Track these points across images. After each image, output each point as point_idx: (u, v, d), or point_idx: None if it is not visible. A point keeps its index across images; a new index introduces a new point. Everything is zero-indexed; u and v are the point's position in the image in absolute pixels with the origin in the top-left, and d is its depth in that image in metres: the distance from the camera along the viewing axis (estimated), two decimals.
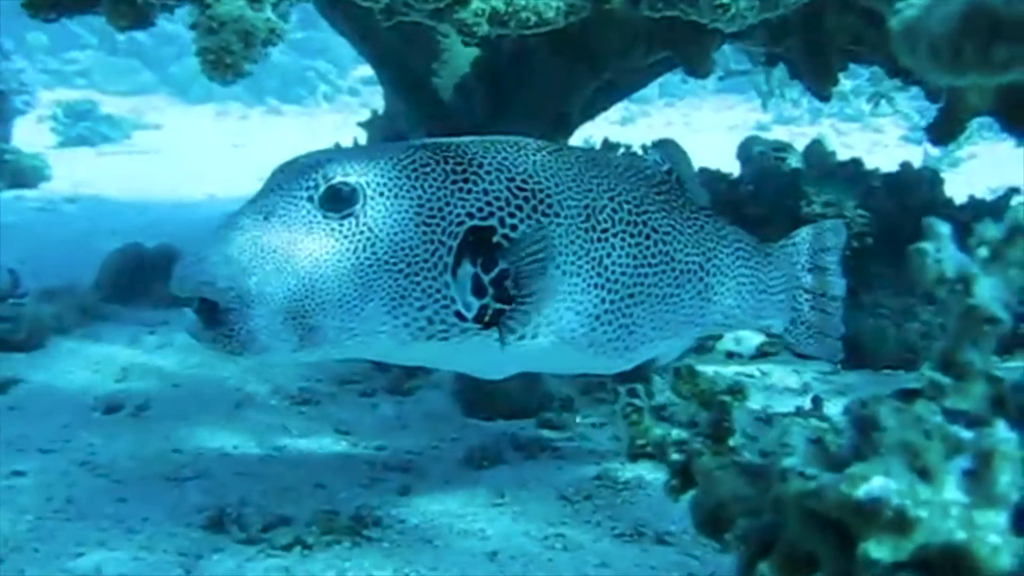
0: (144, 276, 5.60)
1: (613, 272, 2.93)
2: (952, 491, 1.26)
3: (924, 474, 1.26)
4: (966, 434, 1.30)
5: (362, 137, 6.43)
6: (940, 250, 1.37)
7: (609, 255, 2.93)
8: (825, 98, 4.44)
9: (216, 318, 2.59)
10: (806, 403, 4.41)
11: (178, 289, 2.60)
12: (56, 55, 17.12)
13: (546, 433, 4.11)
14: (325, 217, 2.66)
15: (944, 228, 1.41)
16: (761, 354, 5.06)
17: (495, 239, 2.76)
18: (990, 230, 1.42)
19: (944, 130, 3.61)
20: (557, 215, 2.85)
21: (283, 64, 16.75)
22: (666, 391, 3.93)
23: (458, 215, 2.74)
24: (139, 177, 9.89)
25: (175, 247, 5.52)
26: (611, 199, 2.97)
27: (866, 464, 1.25)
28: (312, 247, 2.62)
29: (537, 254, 2.75)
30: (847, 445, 1.33)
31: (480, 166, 2.82)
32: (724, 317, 3.25)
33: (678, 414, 1.69)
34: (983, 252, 1.40)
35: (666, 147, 3.24)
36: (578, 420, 4.22)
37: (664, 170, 3.16)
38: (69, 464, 3.65)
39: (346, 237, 2.65)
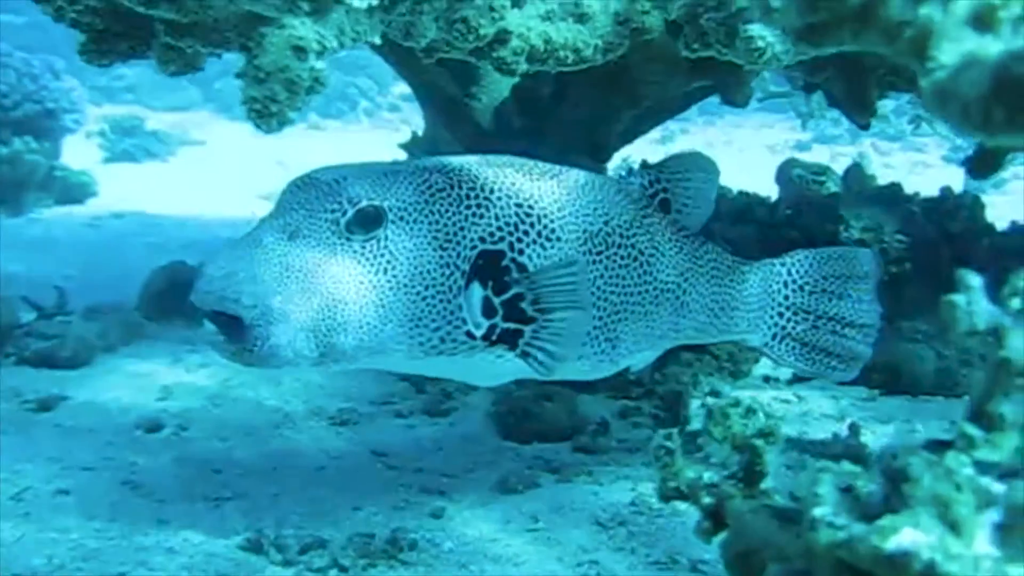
0: (186, 295, 5.66)
1: (603, 291, 3.10)
2: (983, 545, 1.26)
3: (955, 527, 1.26)
4: (998, 487, 1.31)
5: (402, 157, 6.48)
6: (971, 303, 1.38)
7: (601, 276, 3.09)
8: (864, 127, 4.43)
9: (238, 332, 2.68)
10: (842, 430, 4.41)
11: (202, 303, 2.71)
12: (104, 71, 17.39)
13: (581, 457, 4.12)
14: (349, 239, 2.76)
15: (975, 280, 1.42)
16: (798, 379, 5.04)
17: (504, 263, 2.91)
18: (1023, 280, 1.43)
19: (984, 163, 3.59)
20: (559, 239, 3.01)
21: None
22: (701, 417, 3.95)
23: (471, 240, 2.88)
24: (184, 193, 10.03)
25: None
26: (605, 223, 3.12)
27: (896, 516, 1.26)
28: (335, 269, 2.72)
29: (561, 282, 2.89)
30: (878, 492, 1.34)
31: (492, 191, 2.95)
32: (696, 332, 3.39)
33: (713, 453, 1.71)
34: (1016, 303, 1.41)
35: (694, 159, 3.42)
36: (613, 444, 4.24)
37: (649, 194, 3.30)
38: (112, 483, 3.72)
39: (368, 260, 2.76)
